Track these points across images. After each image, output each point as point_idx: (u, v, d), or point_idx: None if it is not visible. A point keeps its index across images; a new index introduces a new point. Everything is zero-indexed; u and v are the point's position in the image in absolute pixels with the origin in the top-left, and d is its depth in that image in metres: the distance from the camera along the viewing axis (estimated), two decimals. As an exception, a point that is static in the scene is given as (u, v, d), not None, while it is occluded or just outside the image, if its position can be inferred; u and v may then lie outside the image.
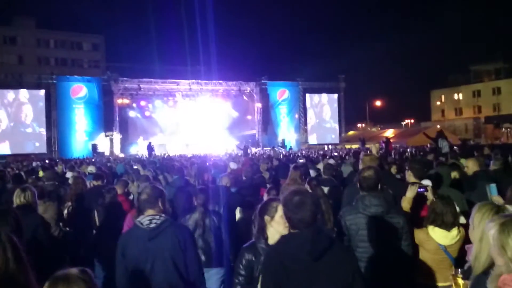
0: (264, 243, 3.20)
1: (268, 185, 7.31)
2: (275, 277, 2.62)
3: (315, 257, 2.56)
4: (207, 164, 12.78)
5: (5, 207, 4.47)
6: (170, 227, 3.54)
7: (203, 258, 5.16)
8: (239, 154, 24.86)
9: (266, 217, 3.22)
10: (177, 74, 38.89)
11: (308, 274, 2.57)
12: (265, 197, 5.96)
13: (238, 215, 6.31)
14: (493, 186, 4.81)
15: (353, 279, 2.60)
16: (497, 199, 4.59)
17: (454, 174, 6.20)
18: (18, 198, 4.84)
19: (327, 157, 15.10)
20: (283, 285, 2.59)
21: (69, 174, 10.48)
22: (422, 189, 4.57)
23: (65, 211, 6.78)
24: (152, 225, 3.45)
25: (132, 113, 35.87)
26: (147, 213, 3.54)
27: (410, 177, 5.09)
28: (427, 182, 4.84)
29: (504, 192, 4.72)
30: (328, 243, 2.63)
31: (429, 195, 4.62)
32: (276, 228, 3.16)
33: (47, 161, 20.79)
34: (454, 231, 4.09)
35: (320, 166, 9.45)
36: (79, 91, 31.67)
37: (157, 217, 3.50)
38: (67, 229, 6.44)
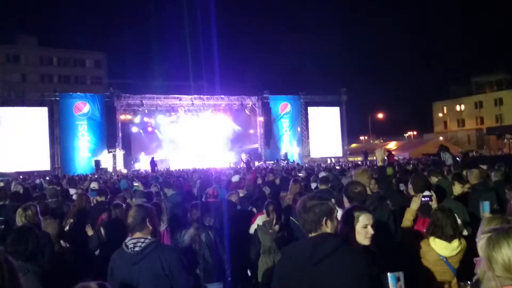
0: None
1: (268, 200, 7.30)
2: (281, 279, 2.79)
3: (314, 262, 2.64)
4: (211, 178, 12.75)
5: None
6: (155, 250, 3.40)
7: (201, 273, 5.20)
8: (243, 166, 24.83)
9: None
10: (179, 89, 39.09)
11: (308, 277, 2.66)
12: (257, 219, 6.03)
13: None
14: (486, 203, 4.80)
15: (358, 282, 2.61)
16: (488, 216, 4.59)
17: (457, 186, 6.20)
18: (20, 218, 4.80)
19: (317, 169, 15.30)
20: (286, 283, 2.74)
21: (72, 191, 10.45)
22: (426, 199, 4.60)
23: (66, 228, 6.73)
24: (136, 249, 3.36)
25: (134, 129, 35.99)
26: (135, 235, 3.45)
27: (410, 190, 5.17)
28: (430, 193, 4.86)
29: (505, 203, 4.72)
30: (332, 248, 2.67)
31: (433, 204, 4.64)
32: (357, 238, 3.13)
33: (47, 178, 20.81)
34: (455, 242, 4.09)
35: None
36: (82, 107, 31.81)
37: (142, 240, 3.40)
38: (67, 245, 6.39)
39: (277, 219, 5.71)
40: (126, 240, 3.42)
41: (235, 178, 11.15)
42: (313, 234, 2.79)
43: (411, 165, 15.62)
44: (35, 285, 3.43)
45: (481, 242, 1.99)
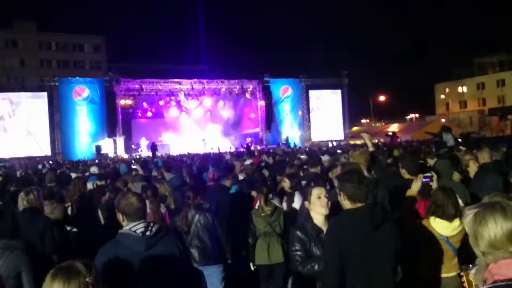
0: (310, 222, 3.75)
1: (269, 182, 7.26)
2: (340, 243, 3.07)
3: (374, 226, 3.08)
4: (209, 162, 12.71)
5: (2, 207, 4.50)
6: (167, 235, 3.25)
7: (199, 256, 5.19)
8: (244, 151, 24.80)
9: (306, 202, 3.82)
10: (179, 73, 38.81)
11: (369, 240, 3.08)
12: (255, 196, 6.01)
13: None
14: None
15: (401, 246, 3.17)
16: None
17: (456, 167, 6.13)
18: (22, 201, 4.86)
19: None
20: (346, 250, 3.05)
21: (73, 175, 10.41)
22: (427, 179, 4.60)
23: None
24: (148, 233, 3.11)
25: (135, 114, 35.86)
26: (138, 221, 3.18)
27: (405, 174, 5.17)
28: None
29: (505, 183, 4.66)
30: (384, 215, 3.15)
31: (434, 185, 4.63)
32: (314, 209, 3.74)
33: (50, 162, 20.81)
34: (456, 222, 4.04)
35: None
36: (81, 92, 31.65)
37: (151, 224, 3.20)
38: (70, 228, 6.35)
39: (269, 202, 5.61)
40: (129, 226, 3.11)
41: (248, 162, 11.12)
42: (360, 204, 3.21)
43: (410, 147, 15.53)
44: (24, 259, 3.52)
45: (467, 217, 1.96)
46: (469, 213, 1.97)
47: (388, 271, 3.15)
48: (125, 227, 3.15)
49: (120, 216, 3.25)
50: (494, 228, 1.86)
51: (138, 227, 3.11)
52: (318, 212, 3.74)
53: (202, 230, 5.21)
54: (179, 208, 5.89)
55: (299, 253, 3.64)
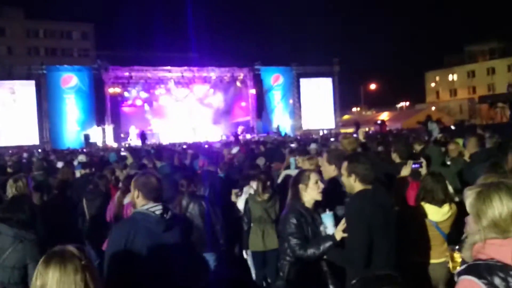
0: (303, 206, 3.71)
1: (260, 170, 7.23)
2: (368, 220, 3.17)
3: (392, 204, 3.47)
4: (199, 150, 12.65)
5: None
6: (178, 218, 3.37)
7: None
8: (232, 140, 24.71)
9: (301, 185, 3.74)
10: (169, 61, 38.40)
11: (391, 217, 3.35)
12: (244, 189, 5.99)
13: (233, 198, 6.22)
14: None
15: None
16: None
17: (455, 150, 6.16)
18: (11, 188, 4.85)
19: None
20: (374, 226, 3.18)
21: (59, 164, 10.33)
22: (416, 165, 4.65)
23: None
24: (165, 215, 3.09)
25: (123, 102, 35.46)
26: (154, 203, 3.13)
27: (396, 158, 5.24)
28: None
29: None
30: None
31: (423, 171, 4.66)
32: (311, 193, 3.73)
33: (39, 151, 20.59)
34: (446, 207, 4.05)
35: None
36: (69, 80, 31.22)
37: (167, 207, 3.19)
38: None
39: (267, 188, 5.59)
40: (147, 207, 3.07)
41: (234, 150, 11.12)
42: (369, 187, 3.34)
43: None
44: (33, 251, 3.48)
45: (470, 197, 1.96)
46: (471, 193, 1.96)
47: (398, 244, 3.36)
48: (142, 207, 3.10)
49: (135, 193, 3.17)
50: (500, 206, 1.86)
51: (156, 209, 3.07)
52: (314, 197, 3.73)
53: (196, 217, 5.15)
54: (170, 196, 5.82)
55: (296, 239, 3.56)
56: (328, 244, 3.43)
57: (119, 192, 5.74)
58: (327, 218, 3.59)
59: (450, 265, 2.77)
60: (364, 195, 3.32)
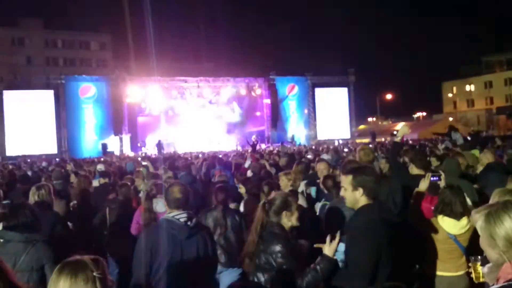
0: (279, 229, 3.30)
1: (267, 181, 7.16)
2: (378, 238, 3.02)
3: (396, 220, 3.47)
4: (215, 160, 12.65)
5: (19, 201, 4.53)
6: (201, 227, 3.52)
7: (224, 258, 4.99)
8: (249, 150, 24.73)
9: (286, 213, 3.35)
10: (185, 72, 38.76)
11: (394, 231, 3.16)
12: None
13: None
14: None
15: None
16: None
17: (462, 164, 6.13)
18: (33, 196, 4.93)
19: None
20: (382, 243, 3.03)
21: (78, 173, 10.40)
22: (435, 178, 4.60)
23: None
24: (189, 223, 3.33)
25: (140, 112, 35.78)
26: (178, 210, 3.38)
27: (413, 169, 5.15)
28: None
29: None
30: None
31: (442, 183, 4.60)
32: (290, 219, 3.36)
33: (57, 160, 20.83)
34: (464, 220, 4.02)
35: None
36: (88, 90, 31.71)
37: (191, 214, 3.42)
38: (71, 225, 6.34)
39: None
40: (173, 214, 3.34)
41: (247, 164, 11.04)
42: (372, 201, 3.18)
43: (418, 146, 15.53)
44: (47, 252, 3.60)
45: (479, 221, 1.94)
46: (479, 215, 1.95)
47: (405, 260, 3.39)
48: (168, 214, 3.38)
49: (165, 202, 3.53)
50: (511, 225, 1.84)
51: (181, 216, 3.32)
52: (292, 221, 3.38)
53: (229, 231, 5.04)
54: (195, 205, 5.78)
55: (292, 264, 3.16)
56: (323, 264, 3.08)
57: (144, 200, 5.83)
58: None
59: (473, 275, 2.74)
60: (370, 209, 3.14)
